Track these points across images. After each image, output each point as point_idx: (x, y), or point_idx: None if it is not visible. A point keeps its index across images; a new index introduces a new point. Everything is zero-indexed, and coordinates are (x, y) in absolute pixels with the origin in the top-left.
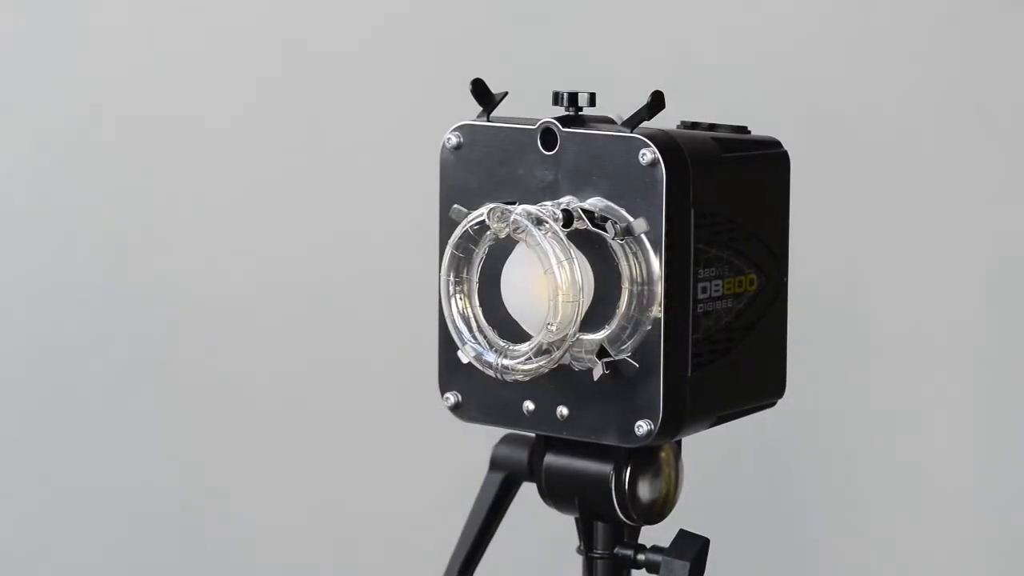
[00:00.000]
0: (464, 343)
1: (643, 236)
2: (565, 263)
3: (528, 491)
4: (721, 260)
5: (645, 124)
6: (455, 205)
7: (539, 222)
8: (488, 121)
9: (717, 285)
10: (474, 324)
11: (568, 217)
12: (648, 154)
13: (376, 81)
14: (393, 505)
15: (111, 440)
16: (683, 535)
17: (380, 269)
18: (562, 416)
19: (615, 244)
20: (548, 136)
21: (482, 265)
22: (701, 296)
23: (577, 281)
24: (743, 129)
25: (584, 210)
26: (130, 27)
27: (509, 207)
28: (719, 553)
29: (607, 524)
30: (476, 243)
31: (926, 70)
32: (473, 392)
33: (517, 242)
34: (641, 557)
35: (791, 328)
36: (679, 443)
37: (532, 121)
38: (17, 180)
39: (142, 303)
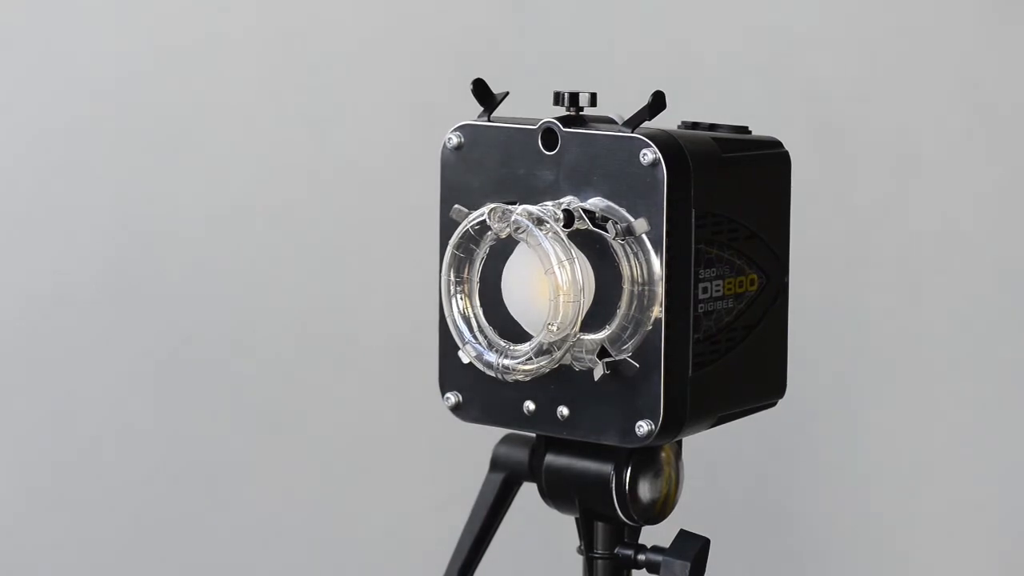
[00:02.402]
0: (465, 343)
1: (644, 236)
2: (566, 263)
3: (528, 491)
4: (722, 260)
5: (646, 124)
6: (456, 205)
7: (540, 222)
8: (489, 121)
9: (718, 285)
10: (475, 324)
11: (569, 217)
12: (649, 154)
13: (376, 81)
14: (393, 505)
15: (111, 440)
16: (684, 535)
17: (380, 269)
18: (562, 416)
19: (616, 244)
20: (549, 136)
21: (483, 265)
22: (702, 296)
23: (578, 281)
24: (744, 129)
25: (585, 210)
26: (131, 27)
27: (510, 207)
28: (719, 553)
29: (608, 524)
30: (477, 243)
31: (926, 70)
32: (474, 392)
33: (518, 242)
34: (641, 557)
35: (791, 328)
36: (679, 443)
37: (533, 121)
38: (17, 180)
39: (142, 303)
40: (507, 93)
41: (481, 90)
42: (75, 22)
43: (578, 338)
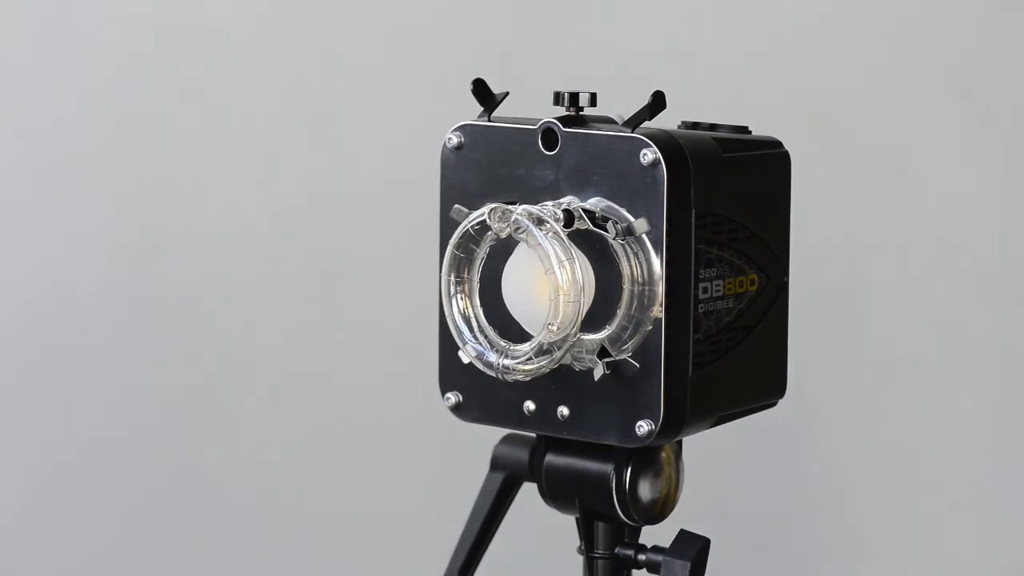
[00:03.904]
0: (465, 343)
1: (644, 236)
2: (566, 263)
3: (528, 491)
4: (722, 260)
5: (646, 124)
6: (456, 205)
7: (540, 222)
8: (489, 121)
9: (718, 285)
10: (475, 324)
11: (569, 217)
12: (649, 154)
13: (376, 81)
14: (393, 505)
15: (111, 440)
16: (684, 535)
17: (380, 269)
18: (563, 416)
19: (616, 244)
20: (549, 136)
21: (483, 265)
22: (702, 296)
23: (578, 281)
24: (744, 129)
25: (585, 210)
26: (131, 27)
27: (510, 207)
28: (719, 553)
29: (608, 524)
30: (477, 243)
31: (926, 70)
32: (474, 392)
33: (518, 242)
34: (642, 557)
35: (791, 328)
36: (680, 443)
37: (533, 121)
38: (17, 180)
39: (143, 303)
40: (507, 93)
41: (481, 90)
42: (74, 22)
43: (578, 338)
